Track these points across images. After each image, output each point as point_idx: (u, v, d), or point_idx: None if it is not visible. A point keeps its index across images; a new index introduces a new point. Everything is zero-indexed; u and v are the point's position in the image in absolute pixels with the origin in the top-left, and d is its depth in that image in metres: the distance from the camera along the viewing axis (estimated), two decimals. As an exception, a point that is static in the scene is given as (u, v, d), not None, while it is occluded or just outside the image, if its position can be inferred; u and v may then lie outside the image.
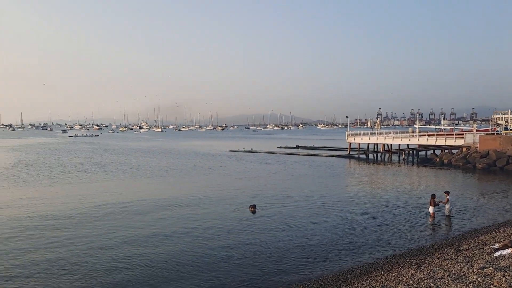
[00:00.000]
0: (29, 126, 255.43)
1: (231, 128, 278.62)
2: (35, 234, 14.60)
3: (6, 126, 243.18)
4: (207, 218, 16.96)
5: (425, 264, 10.55)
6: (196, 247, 12.89)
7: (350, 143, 50.21)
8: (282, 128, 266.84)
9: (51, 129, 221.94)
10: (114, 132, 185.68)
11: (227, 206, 19.45)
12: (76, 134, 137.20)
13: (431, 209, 17.52)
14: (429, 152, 45.73)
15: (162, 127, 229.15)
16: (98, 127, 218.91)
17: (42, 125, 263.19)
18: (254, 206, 18.87)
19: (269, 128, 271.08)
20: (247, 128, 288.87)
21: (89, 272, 10.90)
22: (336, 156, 48.19)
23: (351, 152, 49.21)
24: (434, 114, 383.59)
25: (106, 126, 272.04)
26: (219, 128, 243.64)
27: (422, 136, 46.54)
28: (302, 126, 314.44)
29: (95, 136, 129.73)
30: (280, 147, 65.51)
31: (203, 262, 11.52)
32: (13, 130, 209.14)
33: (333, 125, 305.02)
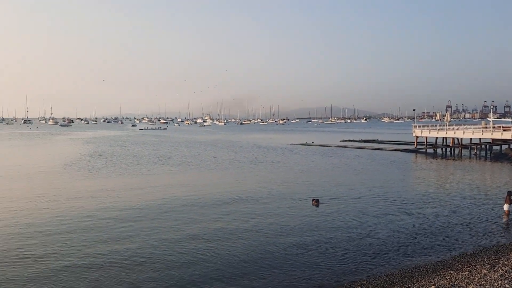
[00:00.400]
0: (102, 120, 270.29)
1: (293, 121, 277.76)
2: (106, 224, 15.42)
3: (82, 119, 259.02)
4: (269, 213, 16.88)
5: (499, 265, 9.94)
6: (259, 243, 12.84)
7: (416, 137, 48.24)
8: (345, 122, 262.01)
9: (122, 123, 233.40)
10: (179, 125, 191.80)
11: (289, 201, 19.31)
12: (146, 128, 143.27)
13: (506, 207, 16.46)
14: (504, 146, 42.83)
15: (225, 121, 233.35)
16: (164, 121, 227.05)
17: (113, 118, 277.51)
18: (317, 201, 18.66)
19: (331, 121, 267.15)
20: (309, 121, 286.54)
21: (154, 264, 11.26)
22: (401, 150, 46.50)
23: (417, 147, 47.27)
24: (510, 107, 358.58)
25: (172, 120, 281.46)
26: (281, 122, 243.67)
27: (496, 130, 43.65)
28: (365, 120, 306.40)
29: (164, 129, 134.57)
30: (343, 141, 64.37)
31: (266, 259, 11.47)
32: (88, 123, 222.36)
33: (398, 118, 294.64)
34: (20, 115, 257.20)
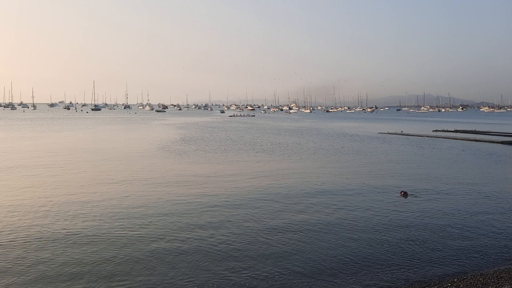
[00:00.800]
0: (193, 106, 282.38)
1: (381, 109, 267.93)
2: (189, 210, 16.01)
3: (175, 106, 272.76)
4: (353, 205, 16.18)
5: None
6: (342, 238, 12.32)
7: (521, 128, 44.03)
8: (439, 111, 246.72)
9: (211, 109, 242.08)
10: (265, 112, 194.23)
11: (375, 193, 18.51)
12: (235, 114, 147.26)
13: None
14: None
15: (311, 108, 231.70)
16: (251, 108, 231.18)
17: (203, 105, 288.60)
18: (405, 193, 17.86)
19: (423, 110, 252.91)
20: (399, 110, 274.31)
21: (235, 254, 11.45)
22: (502, 142, 42.76)
23: (522, 139, 43.15)
24: None
25: (259, 107, 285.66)
26: (369, 110, 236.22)
27: None
28: (462, 109, 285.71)
29: (252, 116, 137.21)
30: (436, 131, 60.76)
31: (349, 255, 11.00)
32: (180, 109, 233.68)
33: (499, 107, 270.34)
34: (121, 101, 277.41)
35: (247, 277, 9.47)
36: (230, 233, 12.45)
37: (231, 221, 13.72)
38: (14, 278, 9.14)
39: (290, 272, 9.76)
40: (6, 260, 10.11)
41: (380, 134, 56.49)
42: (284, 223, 13.54)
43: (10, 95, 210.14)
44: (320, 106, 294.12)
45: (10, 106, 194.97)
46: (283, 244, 11.56)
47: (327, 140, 46.41)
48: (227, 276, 9.47)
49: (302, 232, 12.67)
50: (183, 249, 11.10)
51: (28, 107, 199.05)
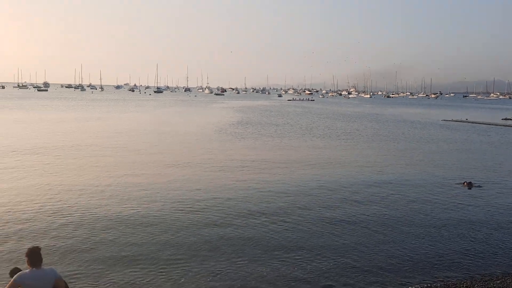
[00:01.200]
0: (251, 90, 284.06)
1: (446, 96, 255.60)
2: (248, 196, 16.15)
3: (233, 89, 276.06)
4: (414, 196, 15.16)
5: None
6: (403, 233, 11.55)
7: None
8: (510, 98, 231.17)
9: (269, 93, 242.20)
10: (324, 97, 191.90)
11: (437, 184, 17.44)
12: (294, 98, 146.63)
13: None
14: None
15: (371, 93, 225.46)
16: (309, 92, 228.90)
17: (261, 89, 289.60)
18: (470, 183, 16.96)
19: (492, 97, 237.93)
20: (466, 96, 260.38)
21: (301, 244, 11.54)
22: None
23: None
24: None
25: (317, 91, 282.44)
26: (433, 96, 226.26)
27: None
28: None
29: (311, 100, 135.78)
30: (506, 119, 57.15)
31: (412, 249, 10.34)
32: (238, 93, 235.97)
33: None
34: (182, 84, 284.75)
35: (301, 269, 9.06)
36: (284, 221, 12.06)
37: (285, 209, 13.24)
38: (79, 256, 9.47)
39: (344, 266, 9.29)
40: (73, 237, 10.45)
41: (444, 121, 54.11)
42: (339, 214, 13.01)
43: (80, 77, 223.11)
44: (381, 92, 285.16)
45: (80, 87, 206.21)
46: (337, 236, 11.10)
47: (386, 127, 45.13)
48: (278, 267, 9.10)
49: (357, 223, 12.10)
50: (236, 235, 10.82)
51: (96, 89, 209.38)
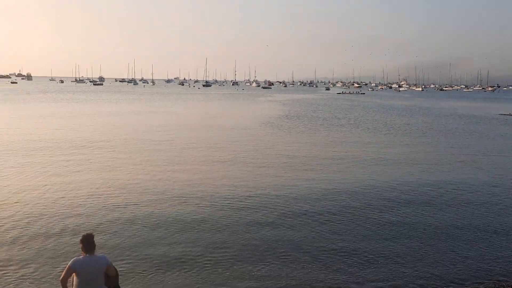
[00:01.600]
0: (298, 83, 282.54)
1: (505, 88, 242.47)
2: (303, 188, 16.12)
3: (280, 83, 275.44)
4: (483, 200, 13.91)
5: None
6: (476, 240, 10.60)
7: None
8: None
9: (316, 86, 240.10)
10: (373, 90, 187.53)
11: (495, 186, 16.02)
12: (343, 92, 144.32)
13: None
14: None
15: (423, 86, 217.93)
16: (358, 85, 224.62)
17: (309, 82, 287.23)
18: None
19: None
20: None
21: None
22: None
23: None
24: None
25: (366, 84, 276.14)
26: (489, 89, 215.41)
27: None
28: None
29: (361, 94, 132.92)
30: None
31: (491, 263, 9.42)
32: (285, 86, 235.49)
33: None
34: (230, 77, 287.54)
35: (353, 276, 8.52)
36: (334, 222, 11.34)
37: (335, 210, 12.45)
38: (131, 252, 9.90)
39: (402, 275, 8.65)
40: (123, 233, 10.45)
41: (501, 115, 51.45)
42: (402, 217, 11.88)
43: (133, 72, 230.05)
44: (434, 84, 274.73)
45: (133, 81, 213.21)
46: (402, 245, 10.03)
47: (439, 120, 43.50)
48: (326, 273, 8.60)
49: (419, 230, 11.00)
50: (289, 237, 10.35)
51: (147, 83, 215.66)
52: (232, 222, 11.26)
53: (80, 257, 5.63)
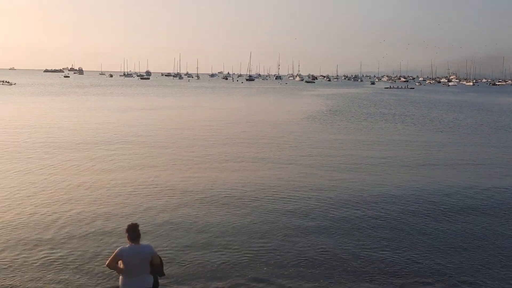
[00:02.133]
0: (343, 78, 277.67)
1: None
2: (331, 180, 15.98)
3: (324, 77, 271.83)
4: None
5: None
6: None
7: None
8: None
9: (361, 81, 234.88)
10: (420, 84, 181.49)
11: None
12: (391, 86, 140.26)
13: None
14: None
15: (474, 81, 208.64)
16: (404, 79, 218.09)
17: (353, 76, 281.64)
18: None
19: None
20: None
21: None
22: None
23: None
24: None
25: (413, 79, 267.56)
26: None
27: None
28: None
29: (411, 88, 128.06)
30: None
31: None
32: (329, 80, 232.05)
33: None
34: (273, 71, 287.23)
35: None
36: (388, 230, 10.35)
37: (392, 216, 11.38)
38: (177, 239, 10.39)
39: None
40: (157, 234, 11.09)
41: (560, 111, 48.56)
42: (461, 226, 10.83)
43: (179, 66, 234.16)
44: (486, 79, 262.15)
45: (178, 76, 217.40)
46: (452, 257, 8.96)
47: (490, 117, 41.61)
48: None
49: (482, 237, 10.07)
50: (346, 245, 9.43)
51: (192, 77, 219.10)
52: (276, 227, 10.47)
53: (126, 246, 5.87)
